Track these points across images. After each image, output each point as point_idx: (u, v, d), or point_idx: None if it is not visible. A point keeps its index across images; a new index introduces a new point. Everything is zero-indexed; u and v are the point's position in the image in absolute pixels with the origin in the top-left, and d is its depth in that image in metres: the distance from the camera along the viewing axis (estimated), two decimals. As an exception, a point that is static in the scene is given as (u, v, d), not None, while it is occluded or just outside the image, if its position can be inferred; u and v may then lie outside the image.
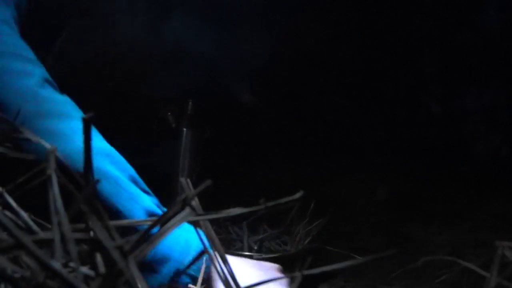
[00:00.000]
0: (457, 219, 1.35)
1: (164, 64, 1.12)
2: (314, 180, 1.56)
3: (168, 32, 1.08)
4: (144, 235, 0.29)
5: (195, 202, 0.30)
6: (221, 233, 1.10)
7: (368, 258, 0.30)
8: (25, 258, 0.29)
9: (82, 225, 0.29)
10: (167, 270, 0.60)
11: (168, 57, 1.12)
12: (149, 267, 0.59)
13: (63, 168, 0.31)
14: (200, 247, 0.59)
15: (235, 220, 1.13)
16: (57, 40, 0.85)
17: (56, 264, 0.25)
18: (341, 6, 1.75)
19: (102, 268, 0.28)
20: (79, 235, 0.29)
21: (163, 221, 0.30)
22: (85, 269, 0.29)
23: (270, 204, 0.30)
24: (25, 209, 0.35)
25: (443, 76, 1.97)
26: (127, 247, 0.28)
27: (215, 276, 0.63)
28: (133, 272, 0.27)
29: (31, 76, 0.63)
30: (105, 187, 0.58)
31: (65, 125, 0.62)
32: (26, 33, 0.69)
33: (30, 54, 0.66)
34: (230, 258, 0.73)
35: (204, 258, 0.61)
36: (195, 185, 0.31)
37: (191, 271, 0.61)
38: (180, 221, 0.29)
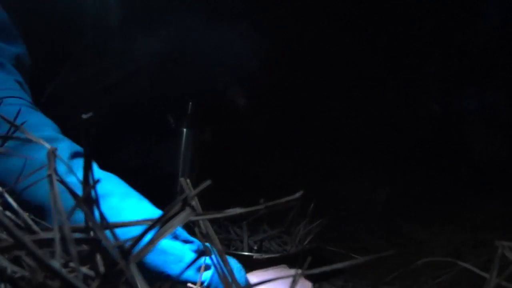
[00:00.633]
0: (457, 219, 1.35)
1: (164, 65, 1.12)
2: (314, 180, 1.56)
3: (168, 33, 1.08)
4: (144, 235, 0.29)
5: (195, 202, 0.30)
6: (221, 233, 1.10)
7: (368, 258, 0.30)
8: (25, 258, 0.29)
9: (82, 225, 0.29)
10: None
11: (168, 58, 1.12)
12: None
13: None
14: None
15: (235, 220, 1.13)
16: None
17: (56, 264, 0.25)
18: (341, 6, 1.75)
19: (102, 268, 0.28)
20: (79, 235, 0.29)
21: (163, 221, 0.30)
22: (85, 269, 0.29)
23: (270, 204, 0.30)
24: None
25: (443, 76, 1.97)
26: (127, 247, 0.28)
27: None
28: (133, 272, 0.27)
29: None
30: (154, 260, 0.61)
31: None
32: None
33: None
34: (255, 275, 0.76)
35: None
36: (195, 185, 0.31)
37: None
38: (180, 221, 0.29)
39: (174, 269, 0.61)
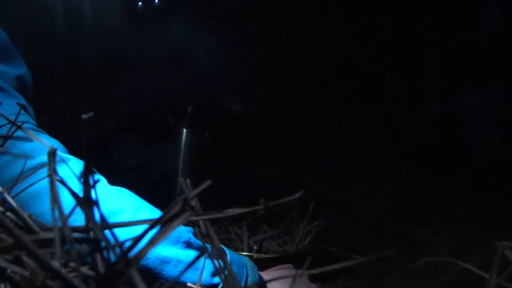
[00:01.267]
0: (457, 219, 1.34)
1: (164, 66, 1.12)
2: (314, 180, 1.56)
3: (167, 36, 1.08)
4: (144, 235, 0.29)
5: (195, 202, 0.30)
6: (221, 233, 1.10)
7: (368, 258, 0.30)
8: (25, 258, 0.29)
9: (82, 225, 0.29)
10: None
11: (168, 59, 1.12)
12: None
13: None
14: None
15: (235, 220, 1.13)
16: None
17: (56, 264, 0.25)
18: (340, 5, 1.75)
19: (102, 268, 0.28)
20: (79, 235, 0.29)
21: (163, 221, 0.30)
22: (85, 269, 0.29)
23: (270, 204, 0.30)
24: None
25: (443, 76, 1.97)
26: (127, 247, 0.28)
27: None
28: (133, 272, 0.27)
29: None
30: (171, 271, 0.61)
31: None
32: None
33: None
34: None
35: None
36: (195, 185, 0.31)
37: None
38: (180, 221, 0.29)
39: (191, 277, 0.61)
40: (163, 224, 0.29)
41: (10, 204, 0.36)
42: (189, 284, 0.60)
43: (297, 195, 0.30)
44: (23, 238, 0.25)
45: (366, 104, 1.88)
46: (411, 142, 1.86)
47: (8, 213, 0.35)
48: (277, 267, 0.85)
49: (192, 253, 0.64)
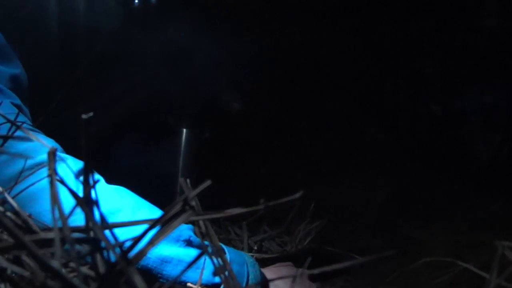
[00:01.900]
0: (457, 219, 1.34)
1: (163, 66, 1.12)
2: (314, 180, 1.56)
3: (167, 36, 1.08)
4: (144, 235, 0.29)
5: (195, 202, 0.30)
6: (221, 233, 1.10)
7: (368, 258, 0.30)
8: (25, 258, 0.29)
9: (82, 225, 0.29)
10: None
11: (168, 59, 1.12)
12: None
13: None
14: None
15: (235, 220, 1.13)
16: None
17: (56, 264, 0.25)
18: (340, 6, 1.75)
19: (102, 268, 0.28)
20: (79, 235, 0.29)
21: (163, 221, 0.30)
22: (85, 269, 0.29)
23: (270, 204, 0.30)
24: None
25: (443, 77, 1.97)
26: (127, 247, 0.28)
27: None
28: (133, 272, 0.27)
29: None
30: (172, 271, 0.61)
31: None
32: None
33: None
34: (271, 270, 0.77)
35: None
36: (195, 185, 0.31)
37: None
38: (180, 221, 0.29)
39: (192, 276, 0.61)
40: (163, 224, 0.29)
41: (10, 204, 0.36)
42: (189, 284, 0.60)
43: (297, 195, 0.30)
44: (23, 238, 0.25)
45: (366, 104, 1.88)
46: (411, 142, 1.86)
47: (8, 213, 0.35)
48: (277, 264, 0.85)
49: (192, 252, 0.63)
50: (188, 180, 0.33)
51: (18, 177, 0.56)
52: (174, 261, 0.61)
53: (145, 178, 1.12)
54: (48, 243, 0.27)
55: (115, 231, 0.30)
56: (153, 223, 0.29)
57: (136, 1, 1.02)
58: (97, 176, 0.66)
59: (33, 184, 0.56)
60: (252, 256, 0.91)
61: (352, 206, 1.48)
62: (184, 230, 0.65)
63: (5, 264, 0.28)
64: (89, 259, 0.29)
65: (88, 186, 0.29)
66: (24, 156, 0.59)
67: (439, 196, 1.54)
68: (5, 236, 0.33)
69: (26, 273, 0.28)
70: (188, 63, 1.15)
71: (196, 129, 1.23)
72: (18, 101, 0.73)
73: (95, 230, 0.29)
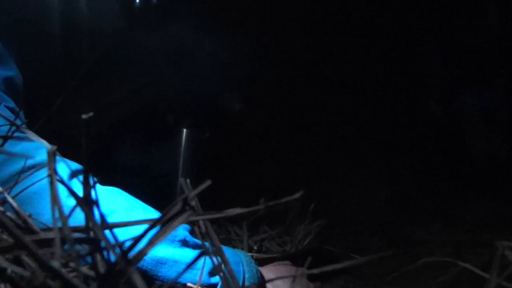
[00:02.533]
0: (457, 219, 1.34)
1: (163, 66, 1.12)
2: (314, 180, 1.56)
3: (167, 36, 1.08)
4: (144, 235, 0.29)
5: (195, 202, 0.30)
6: (221, 233, 1.10)
7: (368, 258, 0.30)
8: (25, 258, 0.29)
9: (82, 225, 0.29)
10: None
11: (168, 59, 1.12)
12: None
13: None
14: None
15: (235, 220, 1.13)
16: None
17: (56, 264, 0.25)
18: (339, 5, 1.75)
19: (102, 268, 0.28)
20: (79, 235, 0.29)
21: (163, 221, 0.30)
22: (85, 269, 0.29)
23: (270, 204, 0.30)
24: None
25: (443, 76, 1.97)
26: (127, 247, 0.28)
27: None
28: (133, 272, 0.27)
29: None
30: (167, 272, 0.60)
31: None
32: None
33: None
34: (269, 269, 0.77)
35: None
36: (195, 185, 0.31)
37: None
38: (180, 221, 0.29)
39: (188, 277, 0.60)
40: (163, 224, 0.29)
41: (10, 204, 0.36)
42: (188, 284, 0.60)
43: (297, 195, 0.30)
44: (23, 238, 0.25)
45: (366, 104, 1.88)
46: (411, 142, 1.86)
47: (8, 213, 0.35)
48: (275, 263, 0.84)
49: (188, 252, 0.62)
50: (188, 180, 0.33)
51: (18, 177, 0.56)
52: (170, 262, 0.60)
53: (145, 178, 1.12)
54: (48, 243, 0.27)
55: (114, 231, 0.30)
56: (153, 223, 0.29)
57: (137, 0, 1.02)
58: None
59: (33, 184, 0.56)
60: (252, 256, 0.92)
61: (352, 206, 1.48)
62: (180, 230, 0.64)
63: (5, 264, 0.28)
64: (89, 259, 0.29)
65: (88, 186, 0.29)
66: (23, 156, 0.59)
67: (439, 196, 1.54)
68: (5, 236, 0.33)
69: (26, 273, 0.28)
70: (188, 63, 1.15)
71: (196, 129, 1.23)
72: (12, 104, 0.72)
73: (95, 230, 0.29)
